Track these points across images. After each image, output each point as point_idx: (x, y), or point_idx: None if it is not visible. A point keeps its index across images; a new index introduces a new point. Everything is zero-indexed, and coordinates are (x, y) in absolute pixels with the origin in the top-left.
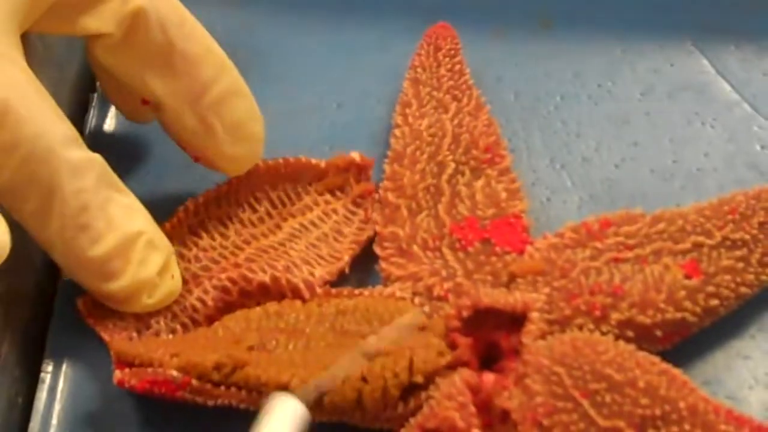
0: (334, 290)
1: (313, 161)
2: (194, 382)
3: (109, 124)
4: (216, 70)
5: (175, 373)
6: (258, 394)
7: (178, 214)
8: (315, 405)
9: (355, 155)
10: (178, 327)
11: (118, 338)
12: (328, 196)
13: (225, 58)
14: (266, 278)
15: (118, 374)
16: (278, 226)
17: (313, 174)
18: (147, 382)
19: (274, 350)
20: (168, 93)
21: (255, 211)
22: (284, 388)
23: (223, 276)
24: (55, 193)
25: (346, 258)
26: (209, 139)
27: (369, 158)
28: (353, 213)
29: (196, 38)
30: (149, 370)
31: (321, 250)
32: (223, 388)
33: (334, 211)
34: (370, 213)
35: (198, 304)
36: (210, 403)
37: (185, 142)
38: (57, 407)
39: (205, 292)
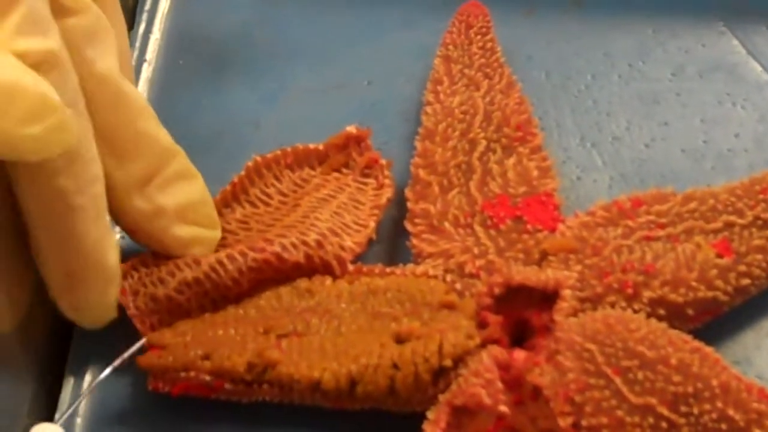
0: (365, 267)
1: (311, 146)
2: (227, 385)
3: None
4: (167, 155)
5: (207, 377)
6: (291, 390)
7: None
8: (347, 395)
9: (351, 129)
10: (208, 304)
11: (151, 335)
12: (336, 174)
13: (173, 142)
14: (300, 257)
15: (152, 381)
16: (297, 205)
17: (314, 158)
18: (181, 387)
19: (305, 334)
20: (117, 174)
21: (268, 204)
22: (316, 384)
23: (258, 257)
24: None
25: (372, 224)
26: (158, 221)
27: (364, 128)
28: (365, 183)
29: (148, 120)
30: (182, 375)
31: (344, 218)
32: (256, 386)
33: (346, 184)
34: (382, 179)
35: (231, 284)
36: (245, 400)
37: (132, 224)
38: (82, 405)
39: (240, 272)
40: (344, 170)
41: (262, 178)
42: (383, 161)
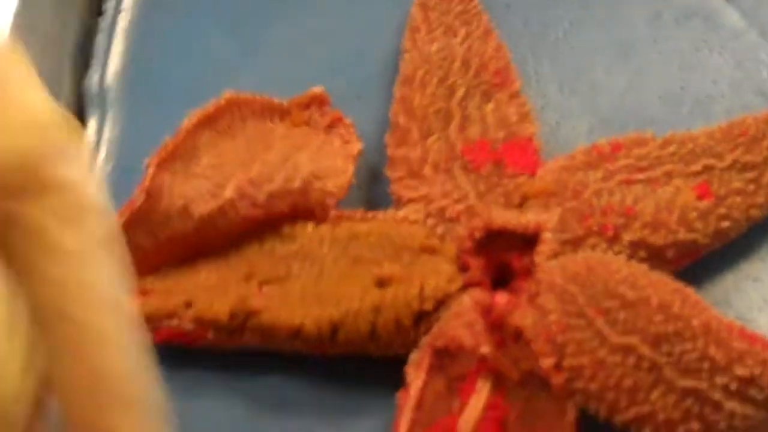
0: (347, 212)
1: (276, 100)
2: (209, 334)
3: None
4: None
5: (190, 326)
6: (272, 337)
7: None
8: (329, 340)
9: (317, 89)
10: (194, 253)
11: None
12: (299, 130)
13: None
14: (286, 206)
15: None
16: (269, 147)
17: (279, 112)
18: (163, 335)
19: (286, 280)
20: None
21: (235, 139)
22: (297, 331)
23: (249, 213)
24: None
25: (350, 168)
26: None
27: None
28: (331, 139)
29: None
30: (165, 323)
31: (322, 163)
32: (237, 334)
33: (314, 137)
34: (347, 136)
35: (221, 238)
36: (225, 347)
37: None
38: None
39: (231, 226)
40: (307, 128)
41: (231, 114)
42: (347, 120)
